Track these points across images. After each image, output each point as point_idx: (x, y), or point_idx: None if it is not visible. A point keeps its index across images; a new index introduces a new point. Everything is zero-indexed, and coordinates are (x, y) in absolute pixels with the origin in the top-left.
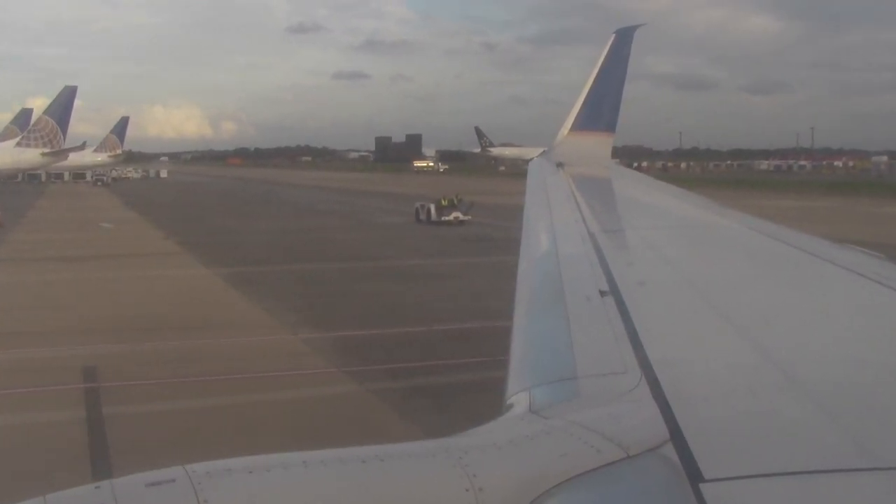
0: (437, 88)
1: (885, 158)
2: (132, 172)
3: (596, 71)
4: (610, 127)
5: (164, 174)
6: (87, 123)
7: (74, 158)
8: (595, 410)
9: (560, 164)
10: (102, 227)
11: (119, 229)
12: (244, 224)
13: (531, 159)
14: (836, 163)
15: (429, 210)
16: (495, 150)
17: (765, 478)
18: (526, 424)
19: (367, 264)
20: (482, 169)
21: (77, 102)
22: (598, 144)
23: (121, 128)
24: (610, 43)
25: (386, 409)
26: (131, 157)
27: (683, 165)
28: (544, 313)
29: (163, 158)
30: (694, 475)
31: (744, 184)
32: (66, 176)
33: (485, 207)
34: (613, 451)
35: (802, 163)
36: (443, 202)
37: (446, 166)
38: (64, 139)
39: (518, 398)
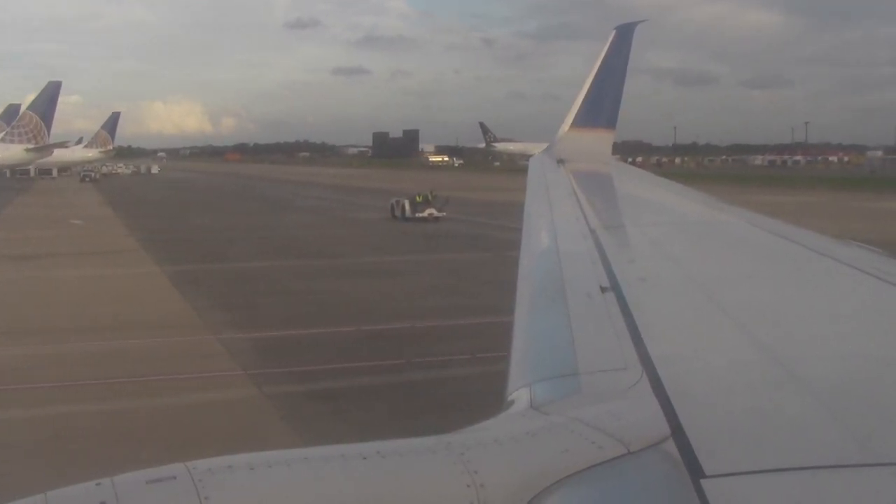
0: (437, 84)
1: (879, 153)
2: (122, 168)
3: (596, 67)
4: (610, 123)
5: (154, 170)
6: (86, 120)
7: (65, 154)
8: (596, 407)
9: (561, 161)
10: (72, 225)
11: (88, 226)
12: (215, 220)
13: (535, 155)
14: (831, 158)
15: (403, 206)
16: (500, 146)
17: (766, 474)
18: (527, 421)
19: (322, 261)
20: (480, 164)
21: (77, 99)
22: (599, 141)
23: (112, 124)
24: (610, 39)
25: (274, 415)
26: (131, 153)
27: (678, 160)
28: (545, 309)
29: (160, 154)
30: (695, 471)
31: (737, 179)
32: (32, 172)
33: (467, 203)
34: (615, 448)
35: (797, 158)
36: (417, 198)
37: (461, 161)
38: (48, 134)
39: (519, 394)
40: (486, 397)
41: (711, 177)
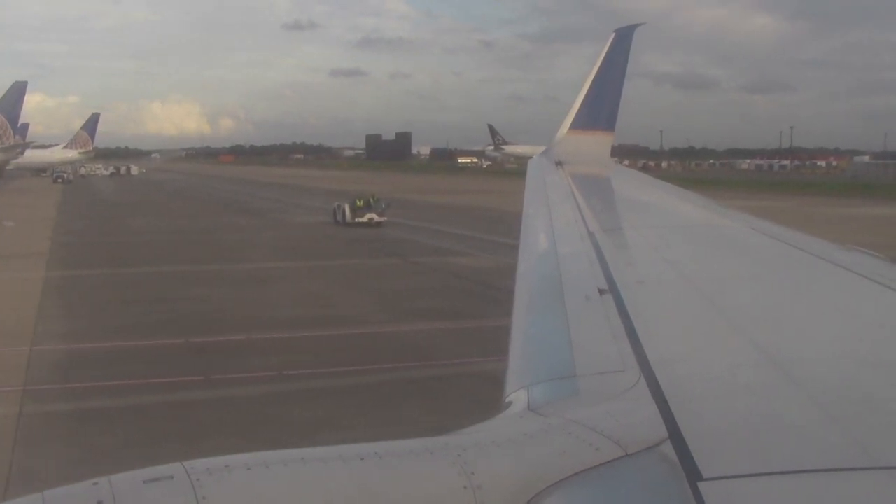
0: (436, 86)
1: (866, 158)
2: (101, 169)
3: (595, 70)
4: (609, 126)
5: (134, 171)
6: (84, 120)
7: (45, 155)
8: (594, 409)
9: (559, 163)
10: (2, 226)
11: (16, 229)
12: (151, 224)
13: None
14: (819, 162)
15: (344, 210)
16: (508, 148)
17: (763, 477)
18: (525, 422)
19: (219, 267)
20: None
21: (75, 99)
22: (598, 143)
23: (92, 124)
24: (609, 42)
25: (5, 438)
26: (127, 153)
27: (664, 164)
28: (543, 312)
29: (154, 155)
30: (692, 474)
31: (715, 183)
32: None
33: (422, 207)
34: (612, 450)
35: (784, 162)
36: (358, 202)
37: (489, 162)
38: (14, 134)
39: (517, 396)
40: (246, 423)
41: (691, 181)
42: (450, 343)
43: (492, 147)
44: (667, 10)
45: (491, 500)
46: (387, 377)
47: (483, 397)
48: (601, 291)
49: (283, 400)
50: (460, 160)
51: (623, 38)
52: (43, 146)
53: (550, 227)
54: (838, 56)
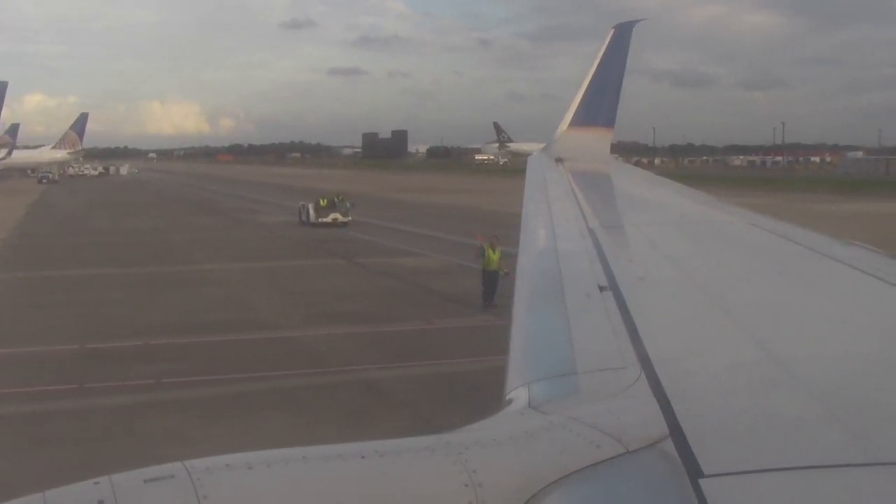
0: (435, 85)
1: (860, 154)
2: (90, 169)
3: (595, 66)
4: (609, 122)
5: (123, 171)
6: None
7: (34, 155)
8: (594, 406)
9: (559, 160)
10: None
11: None
12: (111, 225)
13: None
14: (813, 158)
15: (308, 210)
16: (513, 146)
17: (764, 473)
18: (525, 420)
19: (157, 269)
20: (468, 165)
21: (74, 100)
22: (597, 140)
23: (80, 125)
24: (609, 38)
25: None
26: (126, 153)
27: (657, 161)
28: (543, 309)
29: (151, 155)
30: (693, 471)
31: (705, 179)
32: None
33: (396, 206)
34: (613, 447)
35: (777, 158)
36: (322, 202)
37: (505, 160)
38: None
39: (517, 393)
40: (91, 435)
41: (680, 177)
42: (350, 349)
43: (496, 144)
44: (664, 8)
45: (492, 497)
46: (264, 385)
47: (355, 408)
48: (601, 288)
49: (145, 410)
50: (477, 157)
51: (622, 35)
52: (38, 146)
53: (550, 224)
54: (835, 53)
